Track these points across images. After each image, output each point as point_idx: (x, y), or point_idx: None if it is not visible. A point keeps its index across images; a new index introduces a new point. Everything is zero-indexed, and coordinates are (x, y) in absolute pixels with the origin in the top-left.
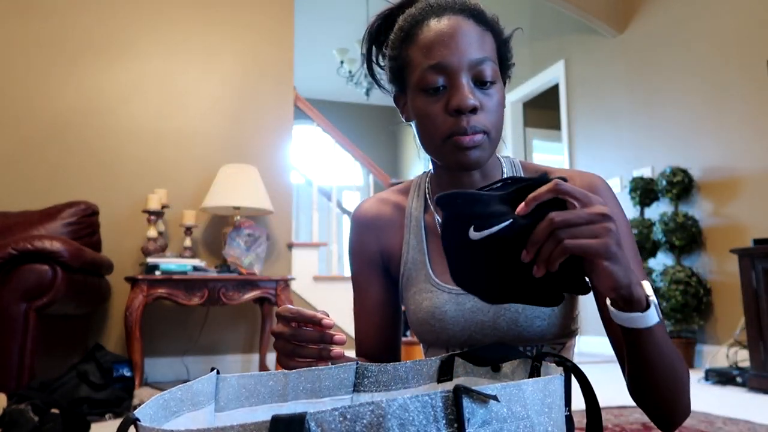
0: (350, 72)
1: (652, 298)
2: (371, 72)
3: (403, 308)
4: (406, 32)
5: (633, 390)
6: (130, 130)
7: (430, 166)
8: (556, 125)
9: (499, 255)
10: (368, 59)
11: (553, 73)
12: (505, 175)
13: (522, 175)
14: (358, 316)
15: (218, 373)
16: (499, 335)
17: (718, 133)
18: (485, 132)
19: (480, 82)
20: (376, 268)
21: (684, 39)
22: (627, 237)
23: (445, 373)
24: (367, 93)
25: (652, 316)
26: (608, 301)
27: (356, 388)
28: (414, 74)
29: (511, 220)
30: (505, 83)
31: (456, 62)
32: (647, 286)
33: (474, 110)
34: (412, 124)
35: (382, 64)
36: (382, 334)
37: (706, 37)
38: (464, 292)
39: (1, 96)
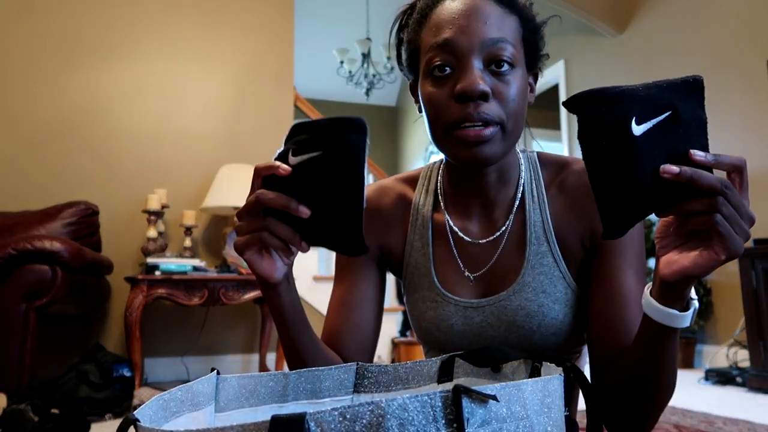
0: (350, 72)
1: (695, 302)
2: (400, 62)
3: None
4: (421, 14)
5: (611, 392)
6: (130, 130)
7: (443, 156)
8: (556, 125)
9: (658, 150)
10: (398, 50)
11: (553, 73)
12: (523, 176)
13: (539, 171)
14: (336, 310)
15: (218, 373)
16: None
17: (718, 133)
18: (499, 123)
19: (495, 66)
20: (370, 261)
21: (684, 39)
22: (639, 237)
23: (445, 373)
24: (367, 93)
25: (687, 317)
26: (648, 292)
27: (356, 388)
28: (423, 57)
29: (669, 112)
30: (537, 75)
31: (465, 42)
32: (692, 290)
33: (484, 97)
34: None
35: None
36: (360, 335)
37: (706, 36)
38: (472, 305)
39: (1, 96)
